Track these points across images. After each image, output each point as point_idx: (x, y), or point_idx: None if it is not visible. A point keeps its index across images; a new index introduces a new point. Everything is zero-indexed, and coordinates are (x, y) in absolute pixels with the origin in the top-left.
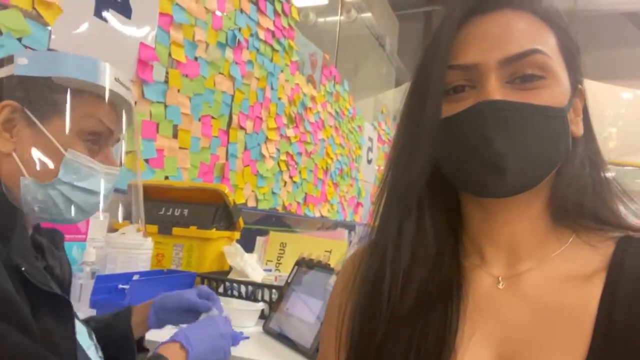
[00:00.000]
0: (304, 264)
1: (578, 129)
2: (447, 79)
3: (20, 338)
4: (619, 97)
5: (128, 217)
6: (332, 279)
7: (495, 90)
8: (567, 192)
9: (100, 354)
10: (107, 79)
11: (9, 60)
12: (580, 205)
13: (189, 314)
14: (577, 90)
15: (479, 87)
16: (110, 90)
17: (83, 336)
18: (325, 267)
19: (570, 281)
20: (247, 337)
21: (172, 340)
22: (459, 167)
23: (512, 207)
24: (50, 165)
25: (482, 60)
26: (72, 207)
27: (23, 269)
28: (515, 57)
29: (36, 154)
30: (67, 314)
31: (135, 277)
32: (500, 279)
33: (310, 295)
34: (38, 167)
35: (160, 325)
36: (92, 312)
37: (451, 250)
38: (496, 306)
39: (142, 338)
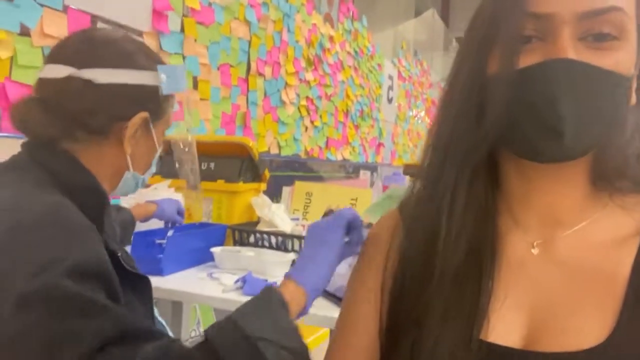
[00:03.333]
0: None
1: (633, 98)
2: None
3: (111, 304)
4: None
5: (159, 172)
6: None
7: (569, 47)
8: (611, 162)
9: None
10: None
11: (151, 66)
12: (621, 174)
13: None
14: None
15: (550, 40)
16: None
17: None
18: None
19: (604, 246)
20: None
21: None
22: (515, 127)
23: (554, 174)
24: (150, 162)
25: (558, 11)
26: (138, 187)
27: (119, 254)
28: (595, 12)
29: (145, 155)
30: (148, 293)
31: (170, 233)
32: (535, 244)
33: None
34: (143, 165)
35: None
36: None
37: (488, 210)
38: (529, 271)
39: None
